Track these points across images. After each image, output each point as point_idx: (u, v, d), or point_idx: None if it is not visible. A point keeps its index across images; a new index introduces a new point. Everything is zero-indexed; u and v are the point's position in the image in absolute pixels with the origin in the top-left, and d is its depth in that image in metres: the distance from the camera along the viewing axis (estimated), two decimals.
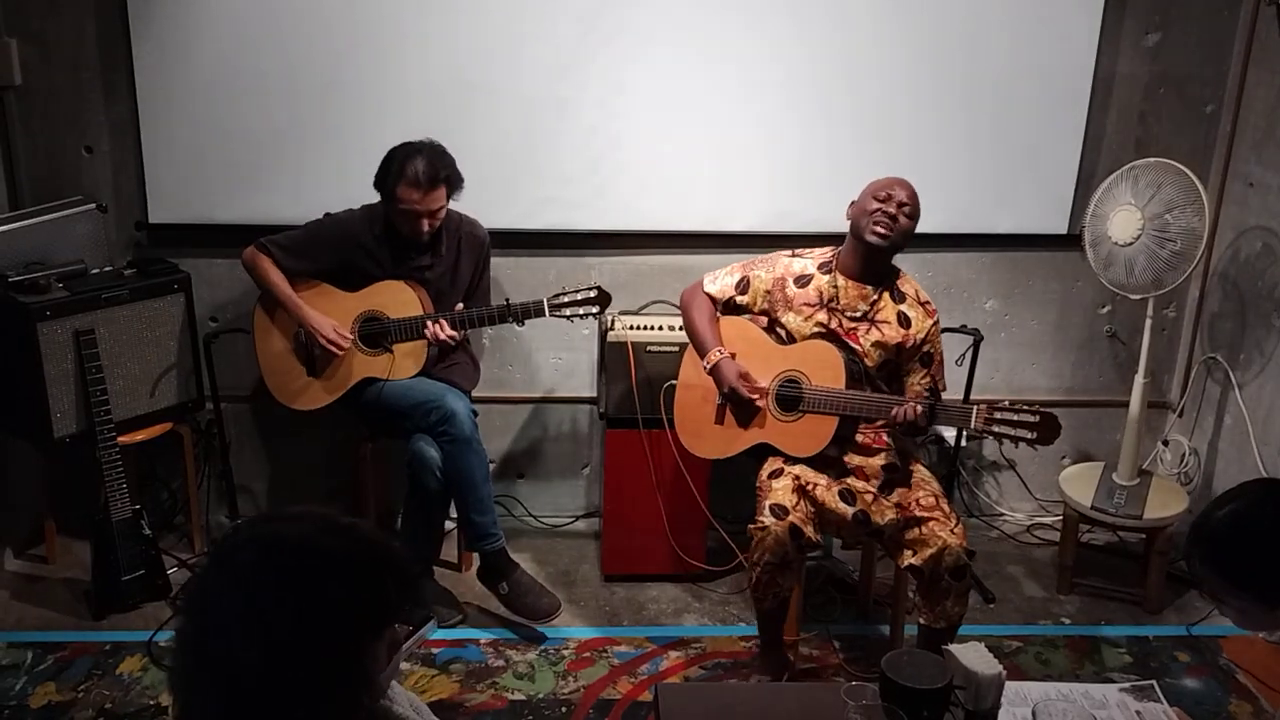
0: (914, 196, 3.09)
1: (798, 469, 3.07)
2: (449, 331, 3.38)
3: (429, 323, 3.38)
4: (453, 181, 3.35)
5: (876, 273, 3.13)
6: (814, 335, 3.11)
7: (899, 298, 3.13)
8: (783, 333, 3.17)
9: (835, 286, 3.12)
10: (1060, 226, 3.92)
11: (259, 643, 1.38)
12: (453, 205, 3.46)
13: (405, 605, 1.50)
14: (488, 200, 3.69)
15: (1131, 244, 3.46)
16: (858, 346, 3.09)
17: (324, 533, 1.46)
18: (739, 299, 3.22)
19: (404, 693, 1.81)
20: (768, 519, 2.95)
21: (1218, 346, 3.94)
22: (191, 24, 3.57)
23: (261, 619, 1.39)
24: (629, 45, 3.66)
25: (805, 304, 3.13)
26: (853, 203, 3.12)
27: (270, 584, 1.41)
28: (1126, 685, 2.41)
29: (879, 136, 3.78)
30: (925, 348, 3.13)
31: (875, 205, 3.05)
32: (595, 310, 3.40)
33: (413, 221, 3.34)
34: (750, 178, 3.81)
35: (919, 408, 2.91)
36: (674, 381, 3.39)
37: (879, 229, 3.03)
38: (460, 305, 3.45)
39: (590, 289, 3.39)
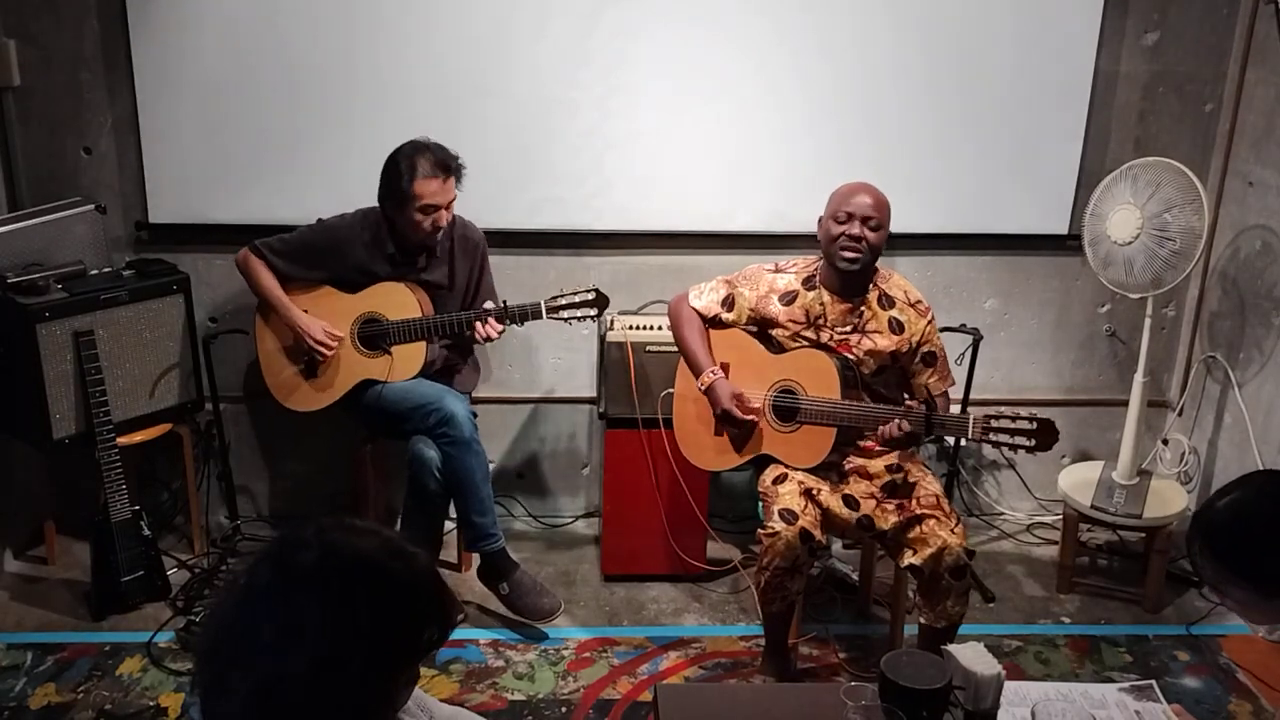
0: (879, 203, 3.04)
1: (800, 474, 3.07)
2: (497, 327, 3.36)
3: (477, 324, 3.36)
4: (460, 171, 3.36)
5: (859, 285, 3.12)
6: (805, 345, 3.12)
7: (888, 303, 3.12)
8: (774, 342, 3.17)
9: (822, 304, 3.11)
10: (1060, 226, 3.92)
11: (307, 646, 1.37)
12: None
13: (441, 643, 1.51)
14: (487, 200, 3.69)
15: (1131, 243, 3.46)
16: (851, 356, 3.09)
17: (390, 555, 1.46)
18: (725, 316, 3.21)
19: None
20: (778, 524, 2.94)
21: (1217, 345, 3.94)
22: (191, 24, 3.57)
23: (316, 623, 1.38)
24: (628, 45, 3.66)
25: (792, 320, 3.12)
26: (820, 218, 3.09)
27: (333, 590, 1.40)
28: (1126, 685, 2.41)
29: (878, 136, 3.78)
30: (925, 348, 3.13)
31: (838, 230, 3.02)
32: (593, 313, 3.39)
33: (431, 216, 3.33)
34: (750, 178, 3.81)
35: (905, 424, 2.90)
36: (671, 390, 3.39)
37: (847, 254, 3.02)
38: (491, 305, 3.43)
39: (588, 291, 3.37)
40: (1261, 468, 3.64)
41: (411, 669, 1.50)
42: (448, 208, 3.36)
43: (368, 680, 1.41)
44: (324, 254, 3.47)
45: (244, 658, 1.39)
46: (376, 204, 3.41)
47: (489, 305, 3.42)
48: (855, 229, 3.00)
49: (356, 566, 1.43)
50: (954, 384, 3.24)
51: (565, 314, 3.38)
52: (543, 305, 3.37)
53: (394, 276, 3.46)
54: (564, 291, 3.38)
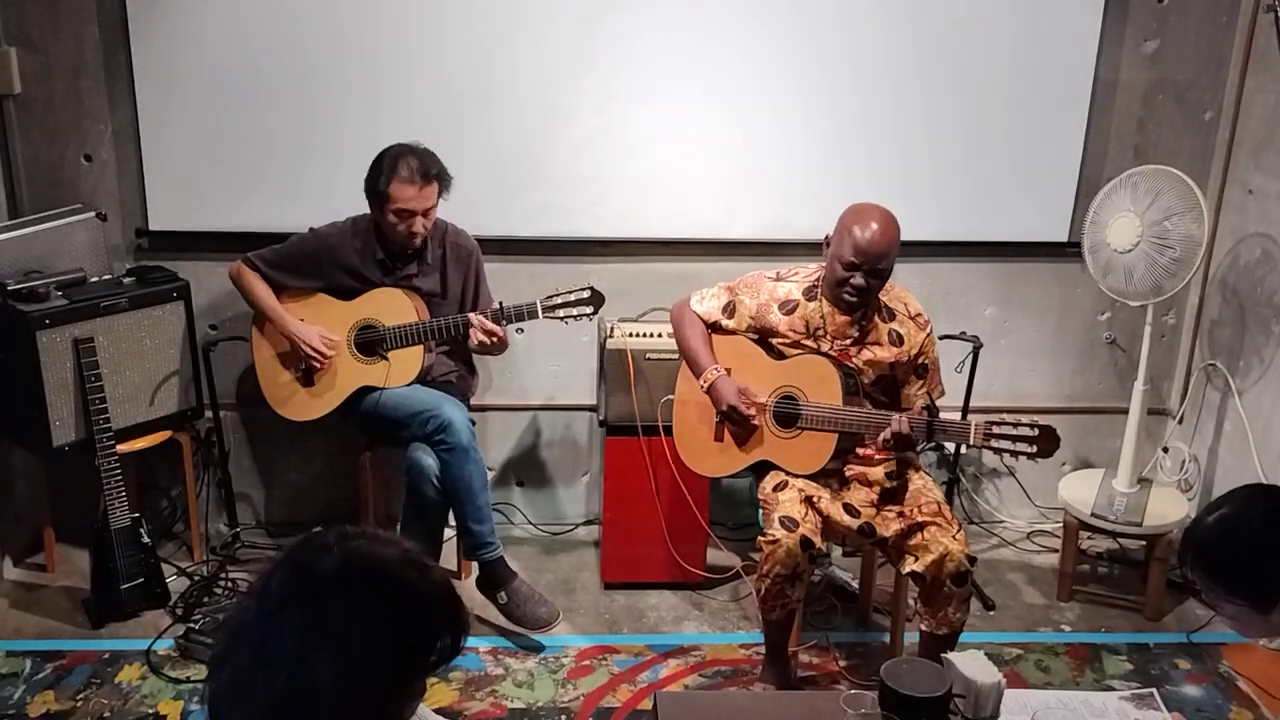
0: (889, 244, 2.94)
1: (800, 482, 3.06)
2: (490, 327, 3.36)
3: (473, 319, 3.36)
4: (444, 179, 3.36)
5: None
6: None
7: (889, 315, 3.11)
8: (775, 350, 3.16)
9: (822, 315, 3.09)
10: (1059, 234, 3.92)
11: (326, 651, 1.37)
12: (447, 214, 3.46)
13: (454, 656, 1.51)
14: (486, 207, 3.69)
15: (1130, 251, 3.46)
16: (852, 365, 3.08)
17: (410, 566, 1.47)
18: (725, 323, 3.19)
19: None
20: (778, 532, 2.93)
21: (1217, 353, 3.94)
22: (191, 32, 3.58)
23: (337, 628, 1.38)
24: (628, 51, 3.66)
25: (792, 330, 3.12)
26: (828, 238, 3.04)
27: (354, 596, 1.41)
28: (1126, 693, 2.40)
29: (879, 144, 3.78)
30: (920, 360, 3.13)
31: (843, 274, 2.97)
32: (589, 311, 3.39)
33: (406, 221, 3.33)
34: (750, 185, 3.81)
35: (906, 425, 2.89)
36: (671, 397, 3.38)
37: (847, 298, 3.00)
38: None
39: (583, 289, 3.37)
40: (1261, 476, 3.64)
41: (421, 680, 1.50)
42: (425, 215, 3.35)
43: (380, 688, 1.41)
44: (317, 261, 3.48)
45: (262, 662, 1.39)
46: (368, 209, 3.42)
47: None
48: (859, 279, 2.96)
49: (377, 574, 1.44)
50: (944, 394, 3.22)
51: (561, 313, 3.38)
52: (538, 305, 3.38)
53: (386, 283, 3.46)
54: (559, 290, 3.39)
